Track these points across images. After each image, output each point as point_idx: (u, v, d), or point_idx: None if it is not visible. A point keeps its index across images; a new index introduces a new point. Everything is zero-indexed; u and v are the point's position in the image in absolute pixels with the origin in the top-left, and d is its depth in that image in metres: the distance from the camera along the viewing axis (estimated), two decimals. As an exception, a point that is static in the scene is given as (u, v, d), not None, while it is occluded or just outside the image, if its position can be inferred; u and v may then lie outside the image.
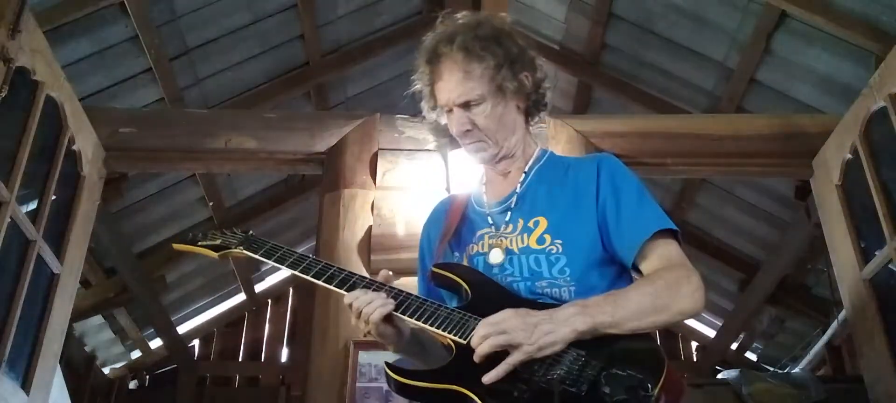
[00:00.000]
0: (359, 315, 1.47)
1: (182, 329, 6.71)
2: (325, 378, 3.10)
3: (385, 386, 3.02)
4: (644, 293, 1.41)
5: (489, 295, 1.49)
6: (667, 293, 1.41)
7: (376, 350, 3.10)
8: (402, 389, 1.39)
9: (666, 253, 1.50)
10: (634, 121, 4.16)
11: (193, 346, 7.11)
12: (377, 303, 1.45)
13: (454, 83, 1.63)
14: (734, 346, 6.49)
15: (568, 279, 1.50)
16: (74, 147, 3.15)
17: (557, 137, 3.67)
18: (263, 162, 3.75)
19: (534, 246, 1.55)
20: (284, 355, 7.18)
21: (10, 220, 2.61)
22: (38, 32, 2.83)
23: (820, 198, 3.47)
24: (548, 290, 1.50)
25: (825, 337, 5.24)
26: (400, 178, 3.53)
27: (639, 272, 1.53)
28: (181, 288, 6.17)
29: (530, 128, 1.74)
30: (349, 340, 3.12)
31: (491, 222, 1.66)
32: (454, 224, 1.71)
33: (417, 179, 3.54)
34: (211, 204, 5.30)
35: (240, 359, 7.12)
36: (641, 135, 3.64)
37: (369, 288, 1.50)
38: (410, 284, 3.32)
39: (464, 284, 1.52)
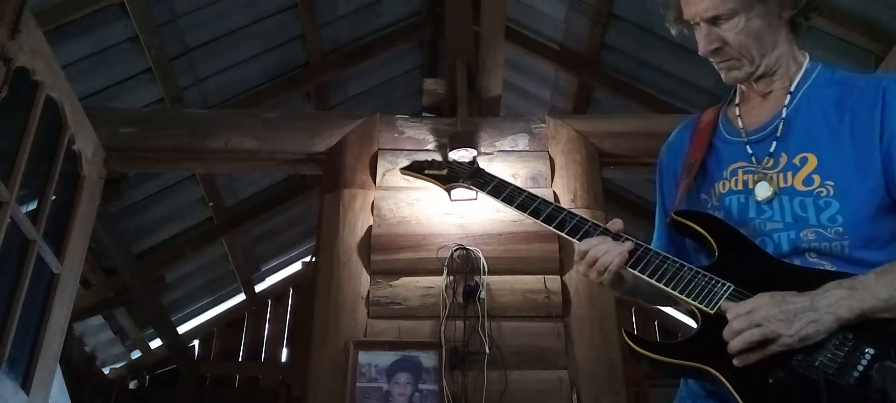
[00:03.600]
0: (592, 263, 1.36)
1: (182, 329, 6.71)
2: (325, 378, 3.10)
3: (385, 386, 3.02)
4: None
5: (740, 254, 1.31)
6: None
7: (376, 350, 3.11)
8: (648, 363, 1.27)
9: None
10: (634, 121, 4.17)
11: (193, 346, 7.12)
12: (613, 254, 1.34)
13: None
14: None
15: (840, 230, 1.27)
16: (74, 147, 3.15)
17: (557, 137, 3.68)
18: (263, 162, 3.75)
19: (799, 187, 1.31)
20: (284, 355, 7.18)
21: (10, 220, 2.61)
22: (38, 32, 2.83)
23: (820, 197, 3.46)
24: (814, 243, 1.27)
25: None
26: (400, 178, 3.53)
27: None
28: (181, 288, 6.17)
29: (797, 38, 1.44)
30: (349, 340, 3.12)
31: (750, 152, 1.40)
32: (699, 156, 1.46)
33: (417, 179, 3.54)
34: (211, 204, 5.30)
35: (240, 359, 7.13)
36: (641, 135, 3.64)
37: (606, 236, 1.38)
38: (409, 283, 3.36)
39: (710, 239, 1.34)
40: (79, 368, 5.86)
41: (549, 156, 3.62)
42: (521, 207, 1.49)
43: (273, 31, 4.53)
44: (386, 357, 3.09)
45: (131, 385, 6.79)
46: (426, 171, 1.67)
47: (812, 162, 1.32)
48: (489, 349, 3.09)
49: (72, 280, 3.18)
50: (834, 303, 1.16)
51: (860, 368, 1.12)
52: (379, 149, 3.61)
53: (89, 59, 3.87)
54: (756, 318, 1.17)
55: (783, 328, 1.15)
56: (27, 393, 2.78)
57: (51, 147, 2.99)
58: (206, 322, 7.07)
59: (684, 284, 1.29)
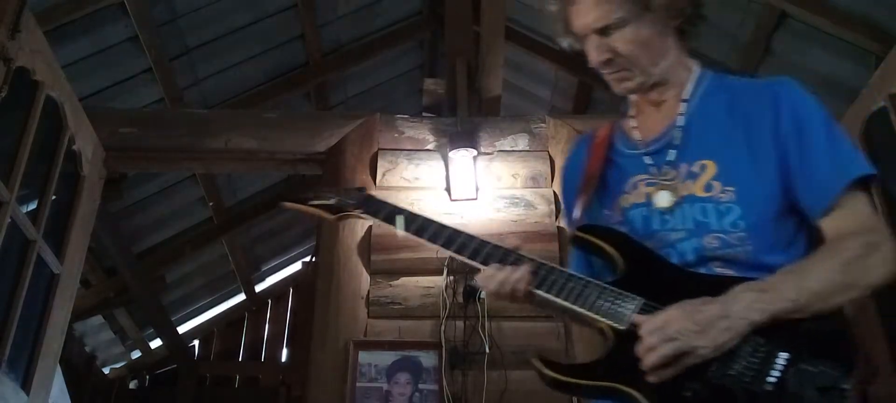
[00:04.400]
0: (497, 292, 1.33)
1: (182, 329, 6.72)
2: (325, 378, 3.10)
3: (385, 386, 3.02)
4: (831, 268, 1.18)
5: (646, 267, 1.29)
6: (856, 267, 1.18)
7: (376, 350, 3.11)
8: (555, 385, 1.23)
9: (856, 211, 1.25)
10: (634, 121, 4.16)
11: (193, 346, 7.12)
12: (513, 279, 1.30)
13: (589, 5, 1.36)
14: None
15: (743, 235, 1.26)
16: (74, 147, 3.15)
17: (557, 137, 3.68)
18: (263, 162, 3.75)
19: (700, 194, 1.31)
20: (284, 355, 7.18)
21: (10, 220, 2.61)
22: (38, 32, 2.83)
23: (820, 197, 3.46)
24: (718, 251, 1.27)
25: (825, 337, 5.23)
26: (400, 178, 3.53)
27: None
28: (181, 288, 6.18)
29: (685, 46, 1.45)
30: (349, 340, 3.12)
31: (649, 164, 1.39)
32: (597, 170, 1.45)
33: (417, 179, 3.54)
34: (211, 204, 5.31)
35: (240, 359, 7.13)
36: (641, 135, 3.64)
37: (505, 262, 1.34)
38: (409, 283, 3.36)
39: (615, 253, 1.32)
40: (79, 368, 5.86)
41: (550, 155, 3.63)
42: (418, 232, 1.43)
43: (273, 31, 4.53)
44: (386, 357, 3.08)
45: (131, 385, 6.79)
46: (311, 202, 1.57)
47: (711, 168, 1.32)
48: (489, 349, 3.09)
49: (72, 280, 3.18)
50: (745, 307, 1.15)
51: (776, 373, 1.11)
52: (379, 149, 3.61)
53: (89, 59, 3.87)
54: (670, 332, 1.14)
55: (698, 339, 1.13)
56: (27, 393, 2.78)
57: (51, 147, 2.99)
58: (206, 322, 7.08)
59: (592, 302, 1.25)
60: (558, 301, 1.27)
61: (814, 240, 1.30)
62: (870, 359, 1.13)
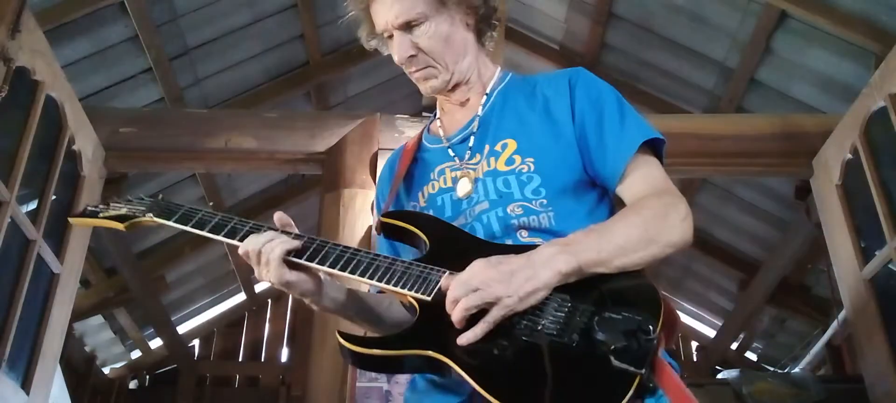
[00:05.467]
0: (258, 259, 1.30)
1: (182, 329, 6.71)
2: (325, 377, 3.10)
3: (385, 386, 3.02)
4: (631, 224, 1.23)
5: (451, 242, 1.31)
6: (655, 223, 1.23)
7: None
8: (360, 360, 1.18)
9: (650, 175, 1.33)
10: (634, 121, 4.16)
11: (193, 346, 7.12)
12: (276, 243, 1.30)
13: (390, 2, 1.41)
14: (734, 346, 6.49)
15: (545, 201, 1.32)
16: (74, 147, 3.15)
17: (557, 137, 3.68)
18: (263, 162, 3.75)
19: (502, 168, 1.36)
20: (284, 355, 7.18)
21: (10, 220, 2.61)
22: (38, 32, 2.83)
23: (820, 198, 3.47)
24: (522, 218, 1.31)
25: (825, 337, 5.24)
26: (400, 178, 3.53)
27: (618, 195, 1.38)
28: (181, 288, 6.17)
29: (484, 48, 1.53)
30: (349, 340, 3.11)
31: (452, 154, 1.45)
32: (404, 168, 1.51)
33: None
34: (211, 204, 5.30)
35: (240, 359, 7.13)
36: (641, 135, 3.64)
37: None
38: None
39: (419, 233, 1.33)
40: (79, 368, 5.86)
41: (549, 155, 3.62)
42: (214, 231, 1.36)
43: (273, 31, 4.53)
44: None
45: (131, 385, 6.79)
46: (101, 216, 1.45)
47: (512, 145, 1.39)
48: (489, 349, 3.09)
49: (72, 280, 3.18)
50: (549, 258, 1.16)
51: (582, 325, 1.11)
52: (379, 149, 3.61)
53: (89, 59, 3.87)
54: (474, 283, 1.13)
55: (502, 289, 1.12)
56: (27, 393, 2.78)
57: (51, 147, 2.99)
58: (206, 322, 7.07)
59: (398, 277, 1.22)
60: (364, 280, 1.24)
61: (614, 212, 1.35)
62: (671, 309, 1.14)
